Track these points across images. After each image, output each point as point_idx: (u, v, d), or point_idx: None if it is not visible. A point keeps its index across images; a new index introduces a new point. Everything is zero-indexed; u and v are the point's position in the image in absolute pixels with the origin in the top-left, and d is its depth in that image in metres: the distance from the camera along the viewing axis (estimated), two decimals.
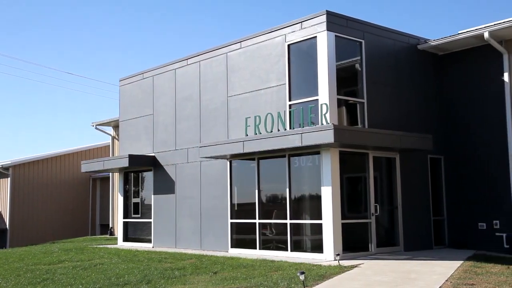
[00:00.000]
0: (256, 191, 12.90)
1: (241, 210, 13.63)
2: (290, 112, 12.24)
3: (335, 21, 11.93)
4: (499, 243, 12.64)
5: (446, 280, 8.34)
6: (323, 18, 11.80)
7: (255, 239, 12.88)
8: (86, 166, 18.12)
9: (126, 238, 17.23)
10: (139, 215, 16.99)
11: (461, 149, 13.74)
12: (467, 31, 13.12)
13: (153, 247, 15.86)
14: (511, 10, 36.16)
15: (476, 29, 12.90)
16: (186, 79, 15.46)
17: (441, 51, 14.09)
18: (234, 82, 13.97)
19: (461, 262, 10.34)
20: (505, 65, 12.82)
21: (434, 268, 9.70)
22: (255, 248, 12.83)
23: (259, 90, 13.22)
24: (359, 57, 12.37)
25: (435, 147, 13.13)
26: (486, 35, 12.44)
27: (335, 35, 11.85)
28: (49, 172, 26.02)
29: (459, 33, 13.32)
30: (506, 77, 12.77)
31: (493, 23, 12.65)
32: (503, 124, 12.81)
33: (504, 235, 12.60)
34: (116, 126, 22.96)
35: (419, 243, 13.02)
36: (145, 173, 16.82)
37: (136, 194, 17.27)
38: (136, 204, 17.16)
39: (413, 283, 8.22)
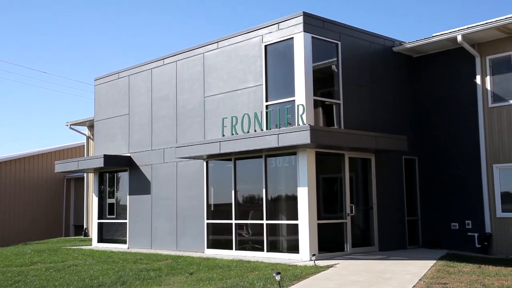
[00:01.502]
0: (233, 191, 12.89)
1: (218, 210, 13.60)
2: (267, 112, 12.26)
3: (311, 23, 12.00)
4: (471, 242, 12.87)
5: (420, 280, 8.45)
6: (300, 19, 11.85)
7: (232, 240, 12.87)
8: (60, 166, 17.86)
9: (100, 239, 17.04)
10: (114, 216, 16.82)
11: (435, 150, 13.95)
12: (441, 34, 13.33)
13: (128, 248, 15.71)
14: (485, 13, 36.88)
15: (450, 32, 13.11)
16: (163, 79, 15.36)
17: (416, 53, 14.28)
18: (211, 82, 13.94)
19: (434, 261, 10.49)
20: (477, 68, 13.06)
21: (407, 267, 9.82)
22: (232, 249, 12.82)
23: (236, 90, 13.21)
24: (335, 59, 12.47)
25: (409, 148, 13.31)
26: (459, 38, 12.65)
27: (312, 37, 11.92)
28: (23, 172, 25.58)
29: (433, 36, 13.53)
30: (478, 79, 13.01)
31: (466, 27, 12.88)
32: (475, 126, 13.05)
33: (476, 234, 12.84)
34: (91, 126, 22.69)
35: (394, 243, 13.18)
36: (120, 174, 16.66)
37: (111, 195, 17.10)
38: (111, 205, 16.99)
39: (387, 283, 8.31)
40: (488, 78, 12.89)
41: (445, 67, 13.91)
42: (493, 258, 11.51)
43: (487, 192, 12.75)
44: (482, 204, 12.82)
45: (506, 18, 12.19)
